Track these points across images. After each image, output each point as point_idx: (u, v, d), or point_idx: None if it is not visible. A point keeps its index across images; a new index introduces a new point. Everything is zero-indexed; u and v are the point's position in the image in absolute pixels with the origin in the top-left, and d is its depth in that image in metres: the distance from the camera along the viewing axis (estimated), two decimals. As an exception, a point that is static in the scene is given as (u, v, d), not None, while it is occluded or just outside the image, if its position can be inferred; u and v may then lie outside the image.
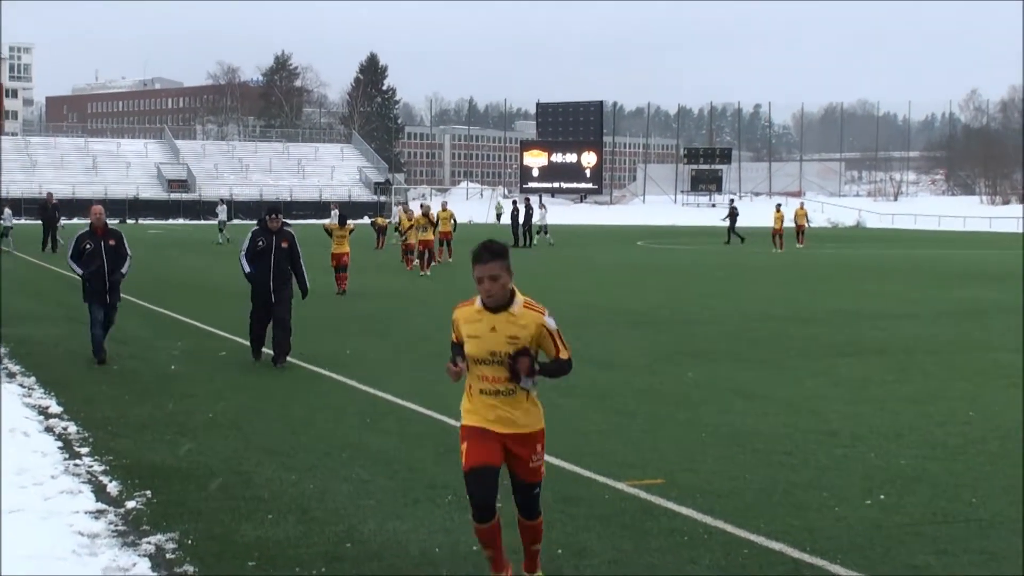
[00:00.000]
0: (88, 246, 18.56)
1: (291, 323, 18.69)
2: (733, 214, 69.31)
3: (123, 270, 18.82)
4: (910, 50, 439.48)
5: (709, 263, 49.32)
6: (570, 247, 63.09)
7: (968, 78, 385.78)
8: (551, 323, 7.98)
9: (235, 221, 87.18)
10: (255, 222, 19.68)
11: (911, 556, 8.75)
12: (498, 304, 7.77)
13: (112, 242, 18.71)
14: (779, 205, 62.82)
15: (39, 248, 51.25)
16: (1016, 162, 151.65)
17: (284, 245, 18.65)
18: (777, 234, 58.15)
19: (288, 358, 18.58)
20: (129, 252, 18.93)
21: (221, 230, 63.93)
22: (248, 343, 19.18)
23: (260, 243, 18.59)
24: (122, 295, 19.64)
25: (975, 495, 10.39)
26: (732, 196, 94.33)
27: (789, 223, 62.74)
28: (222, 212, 65.99)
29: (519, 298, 7.85)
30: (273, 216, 18.90)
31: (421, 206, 43.36)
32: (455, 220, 48.31)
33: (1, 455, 11.10)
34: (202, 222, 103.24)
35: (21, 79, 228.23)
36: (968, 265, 49.25)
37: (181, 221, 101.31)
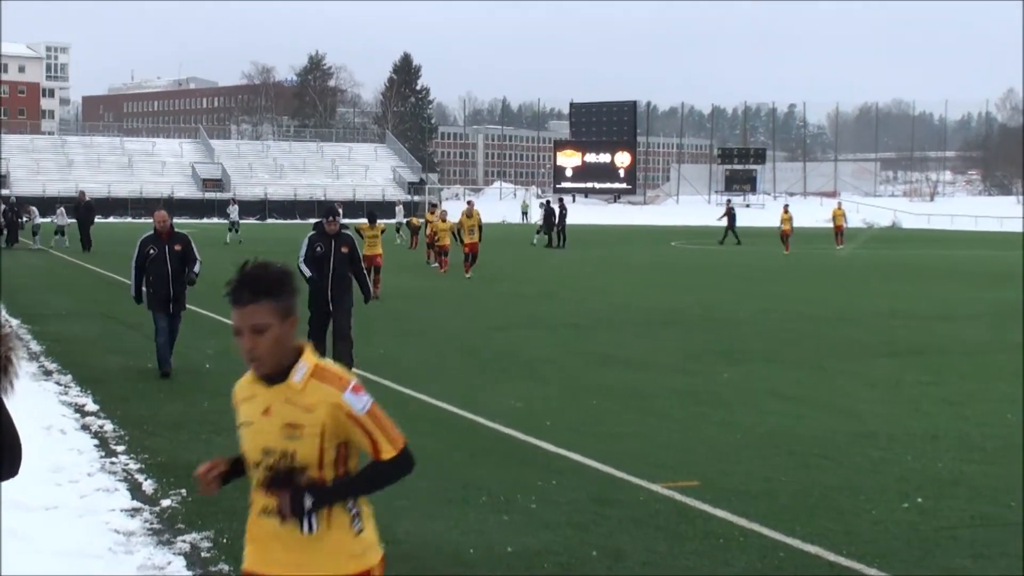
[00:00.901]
0: (152, 251, 17.35)
1: (352, 333, 17.73)
2: (731, 214, 68.74)
3: (194, 270, 17.61)
4: (946, 49, 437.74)
5: (743, 263, 49.19)
6: (603, 247, 63.01)
7: (1005, 77, 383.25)
8: (357, 404, 4.78)
9: (249, 220, 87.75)
10: (312, 226, 18.47)
11: (948, 560, 8.70)
12: (273, 372, 4.88)
13: (178, 247, 17.45)
14: (787, 206, 62.18)
15: (79, 247, 51.13)
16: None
17: (344, 250, 17.58)
18: (785, 236, 57.31)
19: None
20: (199, 256, 17.73)
21: (234, 230, 63.45)
22: None
23: (318, 248, 17.52)
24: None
25: (1013, 498, 10.31)
26: (730, 199, 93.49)
27: (827, 223, 62.34)
28: (233, 212, 65.32)
29: (306, 360, 4.86)
30: (331, 219, 17.72)
31: (468, 203, 42.05)
32: (481, 224, 46.81)
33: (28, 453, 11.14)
34: (237, 221, 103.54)
35: (58, 79, 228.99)
36: (1005, 266, 48.92)
37: (216, 220, 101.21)
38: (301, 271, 17.44)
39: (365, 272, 18.34)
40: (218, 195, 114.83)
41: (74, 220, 54.39)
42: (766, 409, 14.68)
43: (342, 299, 17.62)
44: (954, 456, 12.00)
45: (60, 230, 55.59)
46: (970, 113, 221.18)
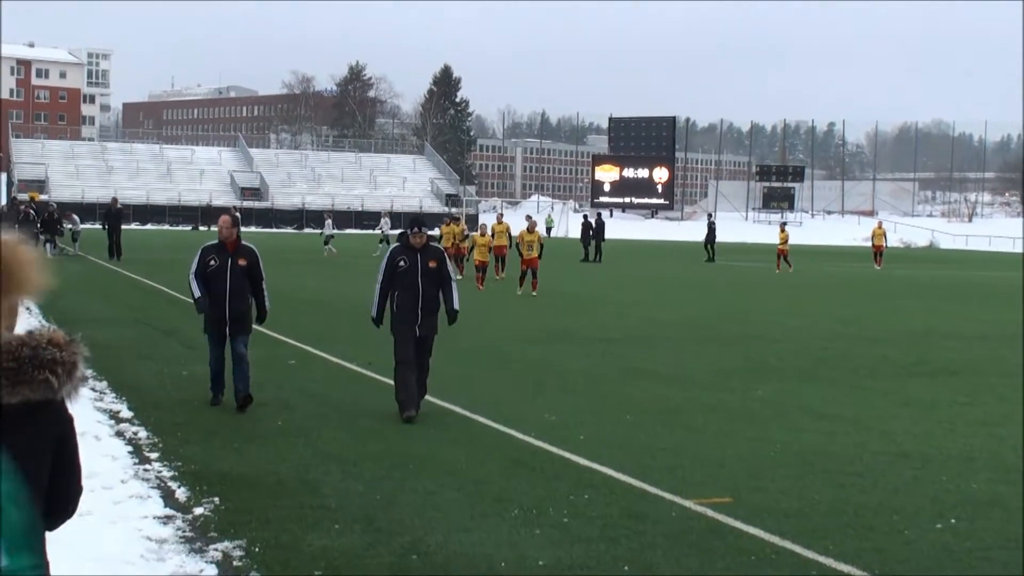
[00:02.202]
0: (213, 262, 15.10)
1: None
2: (711, 229, 68.19)
3: (265, 301, 15.50)
4: (986, 70, 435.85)
5: (779, 280, 49.07)
6: (639, 262, 62.99)
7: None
8: None
9: (286, 230, 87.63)
10: (396, 237, 16.66)
11: (982, 582, 8.64)
12: None
13: (243, 262, 15.14)
14: (783, 224, 61.46)
15: (106, 253, 50.44)
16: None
17: (432, 265, 14.91)
18: (781, 255, 56.51)
19: (359, 370, 18.62)
20: (264, 276, 15.47)
21: (326, 242, 62.97)
22: (394, 391, 14.84)
23: (401, 263, 14.83)
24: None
25: (1048, 521, 10.25)
26: (711, 213, 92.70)
27: (865, 242, 61.75)
28: (328, 226, 65.16)
29: None
30: (416, 230, 14.97)
31: (528, 218, 40.73)
32: (511, 234, 45.71)
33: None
34: (274, 230, 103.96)
35: (99, 85, 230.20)
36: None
37: (253, 229, 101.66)
38: (376, 296, 15.10)
39: (455, 289, 15.28)
40: (256, 204, 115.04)
41: (103, 226, 53.01)
42: (800, 426, 14.64)
43: (429, 321, 14.96)
44: (989, 477, 11.93)
45: (74, 235, 55.27)
46: (1009, 135, 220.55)
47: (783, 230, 57.27)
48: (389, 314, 15.07)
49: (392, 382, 14.93)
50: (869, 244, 64.30)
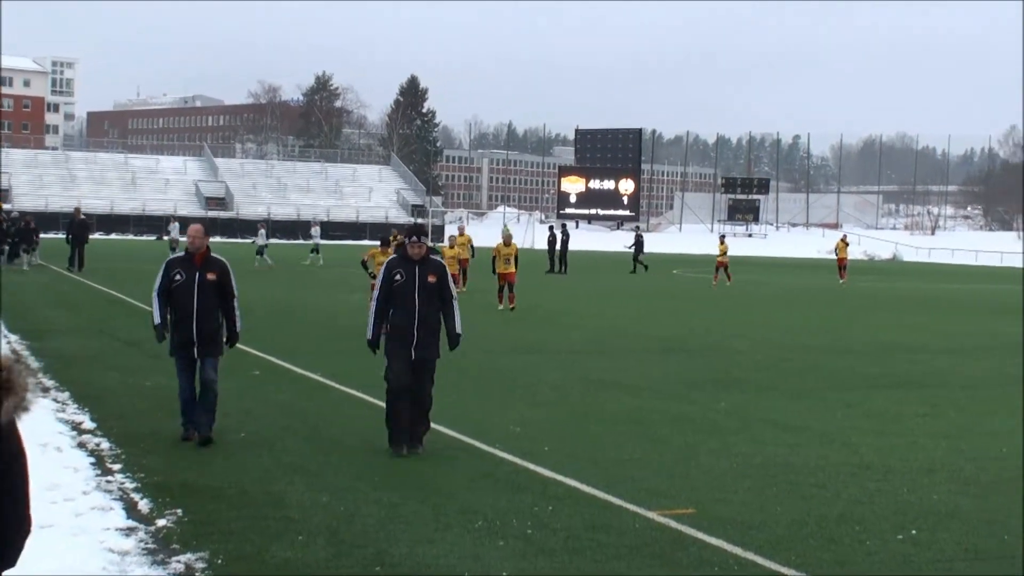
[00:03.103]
0: (179, 276, 13.57)
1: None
2: (639, 242, 68.02)
3: (236, 322, 13.94)
4: (950, 84, 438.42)
5: (743, 292, 49.21)
6: (605, 274, 63.07)
7: (1008, 114, 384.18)
8: None
9: (216, 239, 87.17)
10: (380, 243, 15.27)
11: (942, 593, 8.69)
12: None
13: (212, 276, 13.62)
14: (723, 236, 61.04)
15: (67, 263, 49.68)
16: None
17: (432, 280, 13.32)
18: (721, 266, 55.44)
19: (324, 380, 18.60)
20: (236, 293, 13.99)
21: (173, 248, 59.72)
22: (386, 423, 13.44)
23: (397, 277, 13.29)
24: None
25: (1008, 532, 10.32)
26: (638, 225, 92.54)
27: (828, 254, 61.68)
28: (174, 230, 64.03)
29: None
30: (416, 239, 13.39)
31: (507, 231, 38.77)
32: (473, 246, 45.18)
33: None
34: (240, 240, 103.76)
35: (63, 93, 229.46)
36: (1004, 300, 49.00)
37: (218, 239, 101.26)
38: (368, 316, 13.69)
39: (456, 307, 13.66)
40: (221, 213, 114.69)
41: (67, 237, 51.10)
42: (763, 438, 14.68)
43: (429, 343, 13.33)
44: (949, 489, 12.00)
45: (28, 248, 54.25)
46: (973, 148, 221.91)
47: (722, 242, 56.91)
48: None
49: (382, 404, 13.58)
50: (834, 257, 64.13)
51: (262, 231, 62.20)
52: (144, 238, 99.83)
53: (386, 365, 13.35)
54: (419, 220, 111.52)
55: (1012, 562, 9.49)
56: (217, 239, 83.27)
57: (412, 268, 13.28)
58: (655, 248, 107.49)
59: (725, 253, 55.23)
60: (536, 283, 47.95)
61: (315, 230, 67.16)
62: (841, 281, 59.54)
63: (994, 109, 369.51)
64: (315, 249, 64.16)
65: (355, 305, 32.11)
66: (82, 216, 53.36)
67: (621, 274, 62.13)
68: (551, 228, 66.38)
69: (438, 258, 13.89)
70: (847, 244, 64.59)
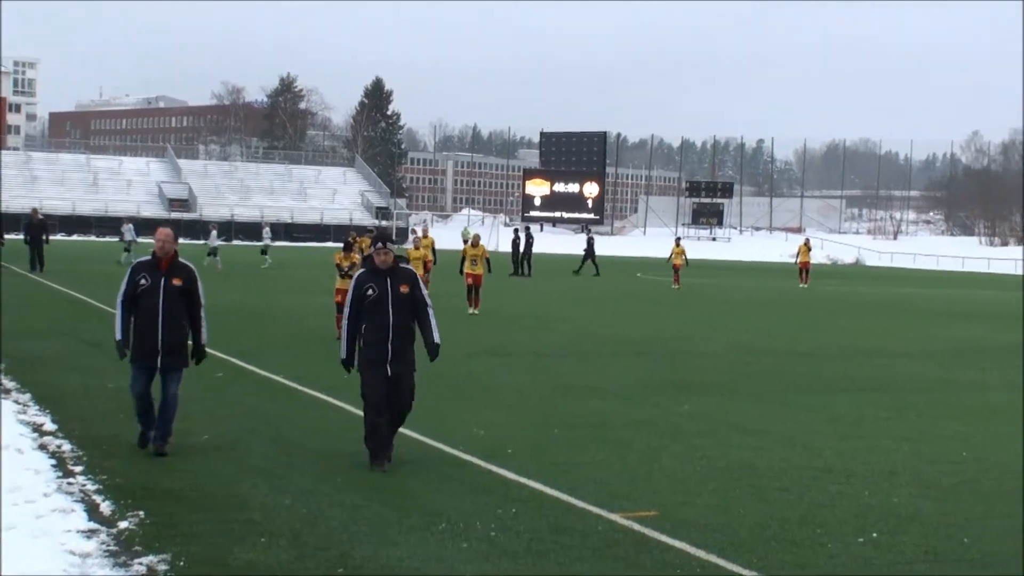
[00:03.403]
0: (143, 281, 12.90)
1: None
2: (591, 244, 68.08)
3: (201, 332, 13.27)
4: (913, 90, 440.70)
5: (709, 296, 49.36)
6: (569, 276, 63.11)
7: (970, 120, 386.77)
8: None
9: (180, 241, 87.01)
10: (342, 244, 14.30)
11: (903, 595, 8.74)
12: None
13: (178, 281, 12.97)
14: (678, 239, 60.96)
15: (27, 265, 49.24)
16: (1016, 204, 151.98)
17: (404, 290, 12.73)
18: (677, 269, 55.56)
19: (288, 383, 18.56)
20: (203, 301, 13.34)
21: (127, 250, 59.75)
22: (365, 437, 12.80)
23: (370, 292, 12.67)
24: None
25: (967, 535, 10.39)
26: (590, 228, 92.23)
27: (791, 258, 61.65)
28: (128, 232, 62.19)
29: None
30: (381, 246, 12.85)
31: (467, 233, 38.90)
32: (435, 248, 44.59)
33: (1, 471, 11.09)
34: (204, 242, 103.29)
35: (25, 94, 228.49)
36: (965, 305, 49.36)
37: (182, 241, 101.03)
38: (343, 331, 13.08)
39: (432, 316, 13.06)
40: (184, 215, 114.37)
41: (25, 238, 50.71)
42: (726, 441, 14.74)
43: (404, 355, 12.80)
44: (910, 492, 12.07)
45: None
46: (935, 153, 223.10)
47: (678, 244, 56.91)
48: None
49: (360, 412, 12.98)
50: (795, 261, 64.19)
51: (214, 232, 61.73)
52: (107, 240, 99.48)
53: (361, 382, 12.78)
54: (382, 223, 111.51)
55: (971, 565, 9.56)
56: (181, 241, 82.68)
57: (383, 281, 12.68)
58: (620, 252, 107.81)
59: (681, 255, 55.20)
60: (501, 286, 47.94)
61: (266, 231, 66.79)
62: (803, 285, 59.73)
63: (956, 115, 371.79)
64: (264, 251, 64.02)
65: (319, 307, 32.08)
66: (40, 217, 52.48)
67: (585, 277, 62.15)
68: (516, 231, 66.39)
69: (408, 266, 13.17)
70: (809, 248, 64.72)
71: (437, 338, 12.96)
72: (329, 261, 33.01)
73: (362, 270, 13.10)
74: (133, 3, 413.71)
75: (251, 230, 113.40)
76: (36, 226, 50.05)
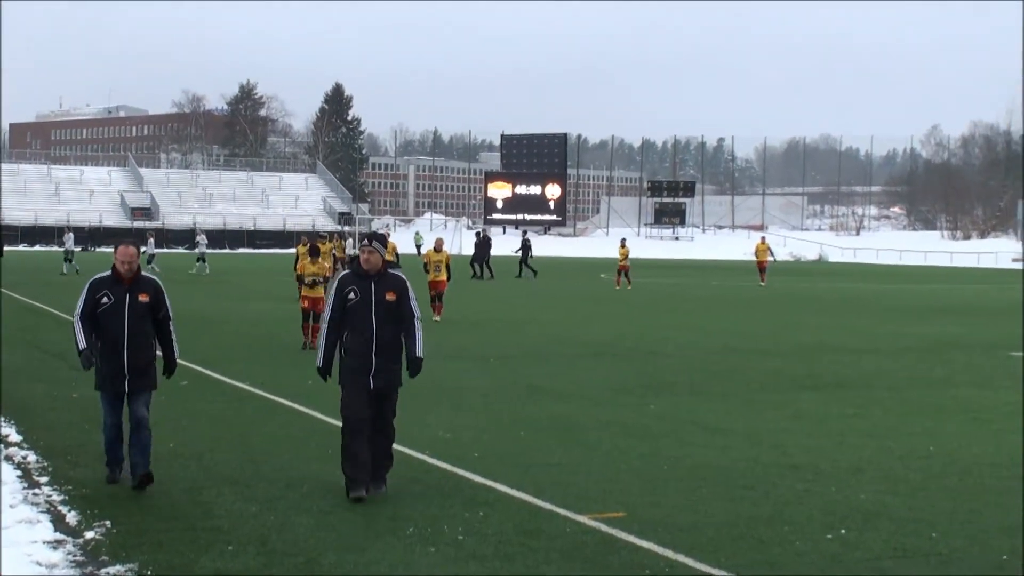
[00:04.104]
0: (106, 300, 11.78)
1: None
2: (526, 247, 68.07)
3: (173, 347, 12.31)
4: (872, 85, 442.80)
5: (673, 295, 49.46)
6: (533, 278, 63.14)
7: (929, 114, 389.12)
8: None
9: (178, 250, 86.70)
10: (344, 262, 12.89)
11: (871, 591, 8.76)
12: None
13: (144, 297, 11.88)
14: (624, 240, 60.15)
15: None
16: (976, 197, 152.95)
17: (391, 298, 11.71)
18: (622, 271, 54.98)
19: (253, 390, 18.51)
20: (171, 314, 12.28)
21: (68, 259, 59.85)
22: (343, 469, 11.62)
23: (351, 295, 11.65)
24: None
25: (935, 530, 10.42)
26: (525, 229, 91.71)
27: (747, 256, 61.39)
28: (69, 240, 62.20)
29: None
30: (367, 244, 11.83)
31: (419, 238, 37.28)
32: (398, 253, 43.77)
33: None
34: (166, 251, 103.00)
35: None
36: (929, 300, 49.59)
37: (143, 249, 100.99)
38: (319, 346, 12.02)
39: (419, 329, 12.01)
40: (147, 223, 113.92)
41: None
42: (693, 441, 14.76)
43: (389, 370, 11.78)
44: (877, 488, 12.10)
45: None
46: (895, 149, 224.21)
47: (623, 245, 56.30)
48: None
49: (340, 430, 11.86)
50: (753, 259, 64.10)
51: (151, 240, 61.26)
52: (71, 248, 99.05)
53: (342, 396, 11.74)
54: (345, 228, 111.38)
55: (940, 560, 9.58)
56: (143, 249, 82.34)
57: (367, 285, 11.62)
58: (583, 253, 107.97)
59: (626, 257, 55.02)
60: (462, 289, 47.92)
61: (201, 238, 66.28)
62: (761, 284, 59.91)
63: (915, 109, 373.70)
64: (201, 258, 63.81)
65: (282, 315, 32.02)
66: None
67: (548, 279, 62.20)
68: (476, 234, 66.30)
69: (398, 272, 12.01)
70: (767, 247, 64.28)
71: (421, 351, 11.87)
72: (286, 268, 32.80)
73: (347, 271, 11.96)
74: (92, 12, 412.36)
75: (214, 239, 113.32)
76: None
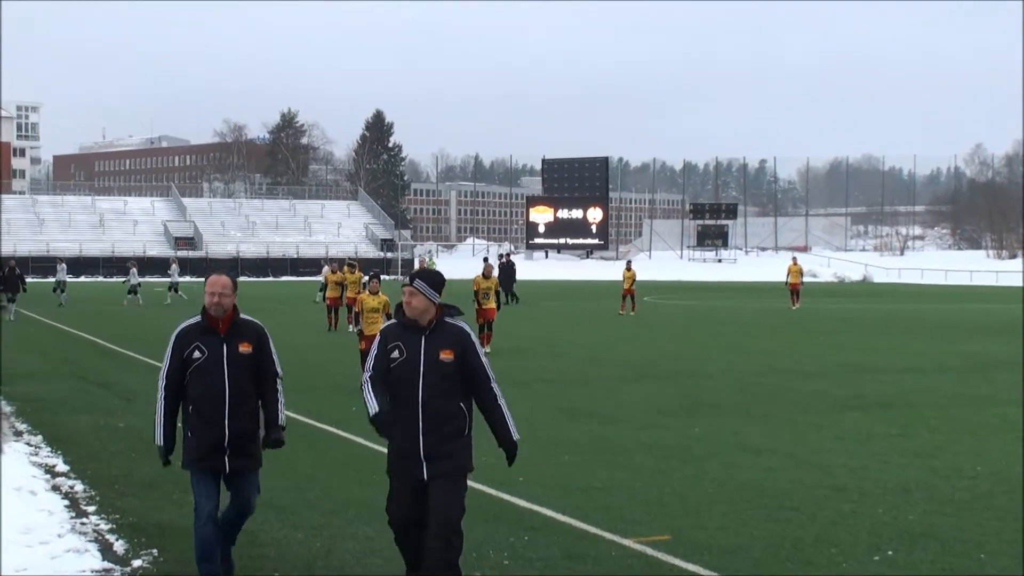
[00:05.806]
0: (198, 354, 9.05)
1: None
2: (507, 270, 62.40)
3: (279, 411, 9.38)
4: (915, 104, 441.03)
5: (715, 317, 49.32)
6: (576, 301, 63.09)
7: (973, 132, 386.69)
8: None
9: (186, 278, 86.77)
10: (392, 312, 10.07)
11: (918, 612, 8.71)
12: None
13: (245, 347, 9.16)
14: (629, 262, 57.56)
15: (46, 305, 49.09)
16: (1022, 216, 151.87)
17: (446, 357, 8.64)
18: (628, 295, 52.17)
19: (293, 415, 18.55)
20: (279, 371, 9.41)
21: (55, 290, 58.96)
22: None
23: (395, 354, 8.59)
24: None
25: (983, 551, 10.36)
26: (507, 252, 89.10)
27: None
28: (61, 272, 61.30)
29: None
30: (409, 284, 8.76)
31: (484, 260, 35.71)
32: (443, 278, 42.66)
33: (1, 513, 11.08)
34: (123, 279, 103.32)
35: (29, 138, 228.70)
36: (975, 319, 49.26)
37: (188, 279, 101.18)
38: (365, 401, 8.66)
39: (499, 397, 9.27)
40: (190, 253, 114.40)
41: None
42: (737, 463, 14.72)
43: (444, 454, 8.66)
44: (924, 509, 12.04)
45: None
46: (938, 168, 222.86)
47: (629, 268, 53.55)
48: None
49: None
50: (785, 282, 60.88)
51: (133, 270, 60.38)
52: (114, 280, 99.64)
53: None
54: (388, 255, 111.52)
55: (987, 579, 9.53)
56: (187, 279, 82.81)
57: (416, 341, 8.63)
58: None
59: (632, 280, 52.36)
60: (505, 313, 47.95)
61: (133, 271, 63.34)
62: (793, 308, 56.51)
63: (959, 128, 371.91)
64: (173, 287, 63.34)
65: (326, 342, 32.09)
66: (11, 264, 49.00)
67: (587, 302, 62.09)
68: (500, 257, 65.02)
69: (459, 322, 8.83)
70: (799, 268, 60.32)
71: (515, 433, 9.11)
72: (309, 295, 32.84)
73: (391, 321, 8.91)
74: (135, 44, 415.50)
75: (257, 267, 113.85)
76: (10, 276, 46.51)
